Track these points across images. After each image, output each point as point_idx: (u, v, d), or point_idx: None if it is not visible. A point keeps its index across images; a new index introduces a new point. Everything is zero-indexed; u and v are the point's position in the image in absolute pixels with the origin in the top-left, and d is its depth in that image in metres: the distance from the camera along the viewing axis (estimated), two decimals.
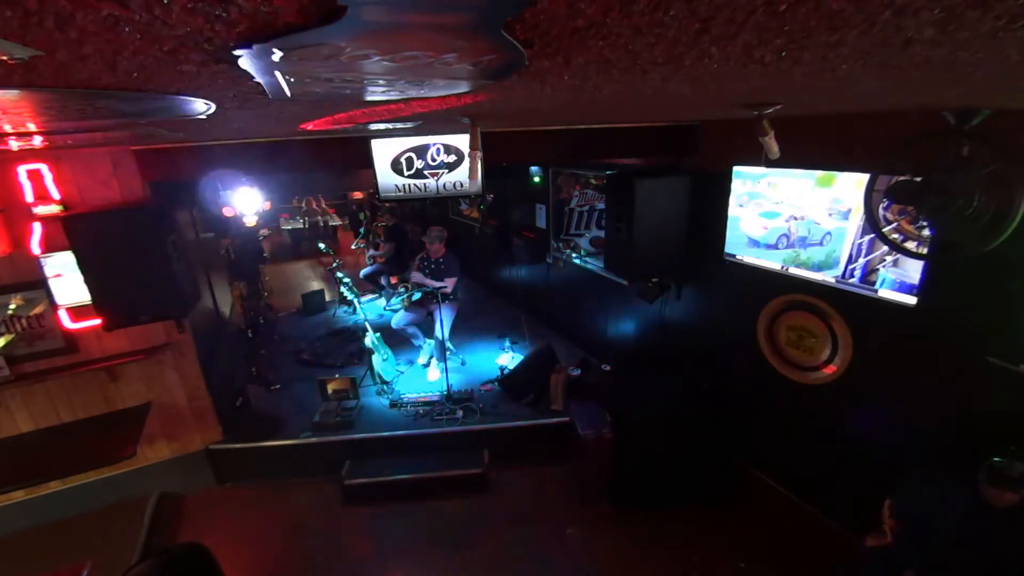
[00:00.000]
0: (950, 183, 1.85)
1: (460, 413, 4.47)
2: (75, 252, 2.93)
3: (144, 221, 3.02)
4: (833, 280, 2.92)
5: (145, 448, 3.92)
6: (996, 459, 2.07)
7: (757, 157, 2.83)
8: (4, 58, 0.51)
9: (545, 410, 4.51)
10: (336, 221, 11.46)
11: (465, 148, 3.56)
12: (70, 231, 2.89)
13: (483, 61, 0.67)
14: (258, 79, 0.72)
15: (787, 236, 3.12)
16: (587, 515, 3.84)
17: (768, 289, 3.40)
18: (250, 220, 5.67)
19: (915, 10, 0.46)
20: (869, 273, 2.74)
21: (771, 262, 3.24)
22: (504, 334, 5.81)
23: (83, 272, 2.95)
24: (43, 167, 3.17)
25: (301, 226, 11.31)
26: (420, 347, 5.54)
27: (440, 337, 5.05)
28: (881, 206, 2.31)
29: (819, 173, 2.90)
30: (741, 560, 3.36)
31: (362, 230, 8.59)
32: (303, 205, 11.38)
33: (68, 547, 3.51)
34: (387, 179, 3.67)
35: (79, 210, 3.16)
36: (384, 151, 3.59)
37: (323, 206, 11.39)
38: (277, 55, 0.56)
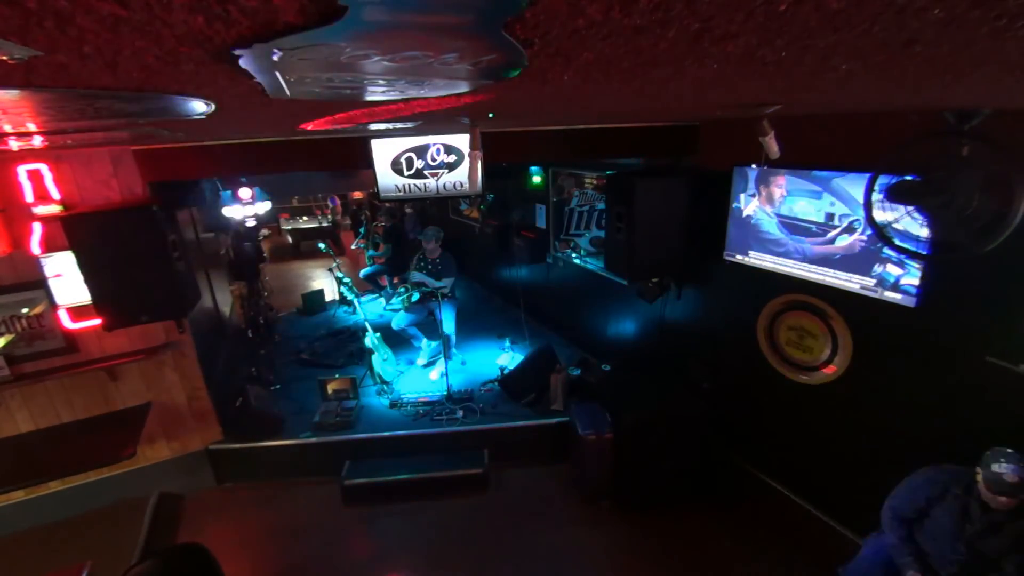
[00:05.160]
0: (950, 183, 1.85)
1: (460, 413, 4.47)
2: (75, 252, 2.93)
3: (144, 221, 3.02)
4: (832, 280, 2.93)
5: (145, 448, 3.92)
6: (993, 465, 2.06)
7: (757, 157, 2.84)
8: (4, 58, 0.51)
9: (545, 410, 4.51)
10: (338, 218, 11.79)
11: (465, 148, 3.56)
12: (70, 231, 2.88)
13: (483, 61, 0.67)
14: (258, 79, 0.72)
15: None
16: (587, 515, 3.84)
17: (768, 289, 3.40)
18: (250, 220, 5.69)
19: (916, 10, 0.46)
20: None
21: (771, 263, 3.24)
22: (504, 334, 5.80)
23: (83, 272, 2.95)
24: (43, 167, 3.17)
25: (320, 224, 11.76)
26: (420, 348, 5.54)
27: (446, 333, 5.05)
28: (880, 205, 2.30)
29: None
30: (739, 559, 3.36)
31: (362, 230, 8.60)
32: (329, 203, 11.71)
33: (68, 547, 3.52)
34: (387, 179, 3.67)
35: (79, 210, 3.16)
36: (384, 151, 3.59)
37: (338, 204, 11.66)
38: (277, 55, 0.56)
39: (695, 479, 3.83)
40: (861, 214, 2.67)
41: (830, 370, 3.15)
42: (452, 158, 3.65)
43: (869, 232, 2.65)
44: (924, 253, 2.21)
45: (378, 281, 7.52)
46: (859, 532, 3.02)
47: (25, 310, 3.41)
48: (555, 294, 6.02)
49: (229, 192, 5.42)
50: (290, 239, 11.85)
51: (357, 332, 5.99)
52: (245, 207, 5.48)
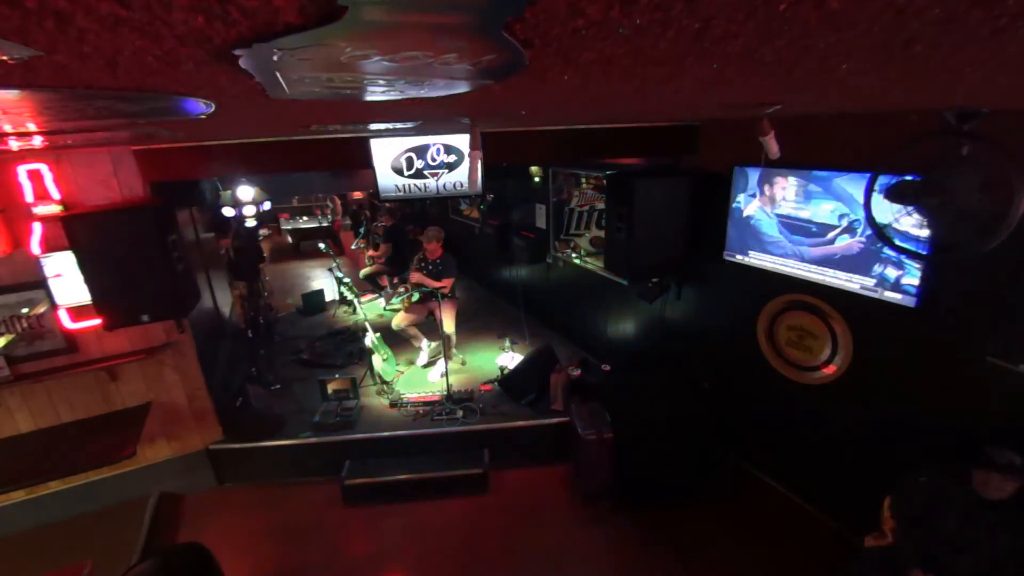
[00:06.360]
0: (950, 183, 1.85)
1: (460, 413, 4.47)
2: (75, 252, 2.93)
3: (144, 221, 3.02)
4: (832, 280, 2.93)
5: (145, 448, 3.92)
6: (989, 446, 2.10)
7: (757, 157, 2.84)
8: (4, 58, 0.51)
9: (545, 410, 4.51)
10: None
11: (465, 148, 3.56)
12: (70, 231, 2.88)
13: (483, 61, 0.67)
14: (258, 79, 0.72)
15: None
16: (587, 515, 3.84)
17: (768, 289, 3.40)
18: (250, 220, 5.69)
19: (916, 10, 0.46)
20: None
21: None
22: (504, 334, 5.80)
23: (83, 272, 2.95)
24: (43, 167, 3.17)
25: (319, 224, 11.77)
26: (420, 348, 5.54)
27: (446, 333, 5.05)
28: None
29: None
30: (740, 560, 3.36)
31: (362, 230, 8.59)
32: (329, 203, 11.70)
33: (68, 547, 3.51)
34: (387, 179, 3.67)
35: (79, 210, 3.16)
36: (384, 151, 3.59)
37: (338, 204, 11.67)
38: (277, 55, 0.56)
39: (695, 479, 3.82)
40: (861, 214, 2.67)
41: (830, 370, 3.15)
42: (452, 158, 3.65)
43: (869, 232, 2.66)
44: (924, 253, 2.21)
45: (378, 281, 7.52)
46: (859, 532, 3.02)
47: (25, 310, 3.41)
48: (555, 294, 6.02)
49: (229, 192, 5.42)
50: (290, 239, 11.85)
51: (357, 332, 5.99)
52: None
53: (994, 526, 2.12)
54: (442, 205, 8.43)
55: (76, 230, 2.89)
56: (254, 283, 6.03)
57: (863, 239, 2.76)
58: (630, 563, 3.44)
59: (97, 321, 3.19)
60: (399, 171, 3.65)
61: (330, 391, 4.63)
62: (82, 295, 3.14)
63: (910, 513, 2.35)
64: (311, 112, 1.48)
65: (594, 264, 5.21)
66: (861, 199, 2.67)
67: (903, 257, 2.54)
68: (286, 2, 0.39)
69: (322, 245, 6.37)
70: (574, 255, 5.52)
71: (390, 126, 2.63)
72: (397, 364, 5.33)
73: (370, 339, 5.07)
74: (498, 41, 0.54)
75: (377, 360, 5.02)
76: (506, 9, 0.43)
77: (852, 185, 2.75)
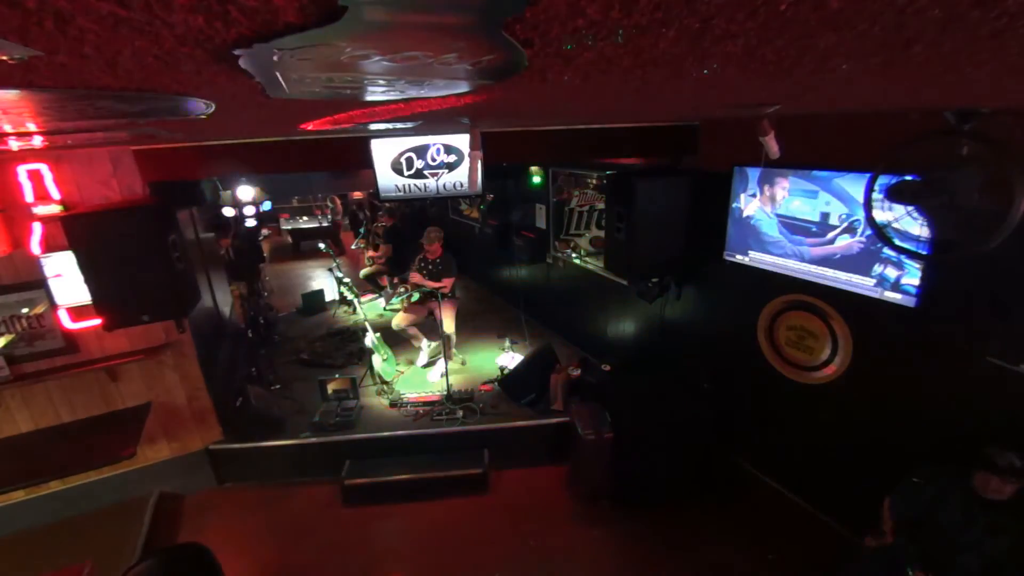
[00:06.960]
0: (950, 183, 1.85)
1: (460, 413, 4.47)
2: (75, 252, 2.92)
3: (144, 221, 3.01)
4: (832, 280, 2.93)
5: (145, 448, 3.92)
6: (993, 455, 2.10)
7: (757, 157, 2.84)
8: (4, 58, 0.51)
9: (545, 410, 4.51)
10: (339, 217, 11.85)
11: (465, 148, 3.56)
12: (70, 231, 2.88)
13: (483, 61, 0.67)
14: (258, 79, 0.72)
15: None
16: (587, 515, 3.84)
17: (768, 289, 3.40)
18: (250, 220, 5.69)
19: (916, 10, 0.46)
20: None
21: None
22: (504, 334, 5.80)
23: (83, 272, 2.94)
24: (43, 167, 3.18)
25: (320, 224, 11.78)
26: (420, 348, 5.54)
27: (446, 333, 5.06)
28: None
29: None
30: (740, 560, 3.36)
31: (362, 230, 8.59)
32: (329, 203, 11.72)
33: (68, 547, 3.51)
34: (387, 179, 3.67)
35: (79, 210, 3.16)
36: (384, 151, 3.59)
37: (338, 204, 11.68)
38: (277, 55, 0.56)
39: (695, 479, 3.82)
40: (861, 214, 2.67)
41: (830, 370, 3.15)
42: (452, 158, 3.65)
43: (869, 232, 2.66)
44: (924, 253, 2.21)
45: (378, 281, 7.52)
46: (859, 532, 3.02)
47: (25, 310, 3.41)
48: (555, 294, 6.02)
49: (229, 192, 5.42)
50: (290, 239, 11.85)
51: (357, 332, 5.99)
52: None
53: (994, 526, 2.12)
54: (442, 205, 8.43)
55: (76, 230, 2.89)
56: (254, 283, 6.04)
57: (863, 239, 2.76)
58: (630, 563, 3.44)
59: (97, 321, 3.18)
60: (399, 171, 3.65)
61: (330, 391, 4.63)
62: (82, 295, 3.13)
63: (910, 513, 2.35)
64: (311, 112, 1.48)
65: (594, 264, 5.21)
66: (861, 199, 2.68)
67: (903, 257, 2.54)
68: (286, 2, 0.39)
69: (322, 245, 6.36)
70: (574, 255, 5.52)
71: (390, 126, 2.62)
72: (397, 364, 5.33)
73: (370, 339, 5.07)
74: (498, 41, 0.54)
75: (377, 360, 5.03)
76: (506, 9, 0.43)
77: (852, 185, 2.74)
